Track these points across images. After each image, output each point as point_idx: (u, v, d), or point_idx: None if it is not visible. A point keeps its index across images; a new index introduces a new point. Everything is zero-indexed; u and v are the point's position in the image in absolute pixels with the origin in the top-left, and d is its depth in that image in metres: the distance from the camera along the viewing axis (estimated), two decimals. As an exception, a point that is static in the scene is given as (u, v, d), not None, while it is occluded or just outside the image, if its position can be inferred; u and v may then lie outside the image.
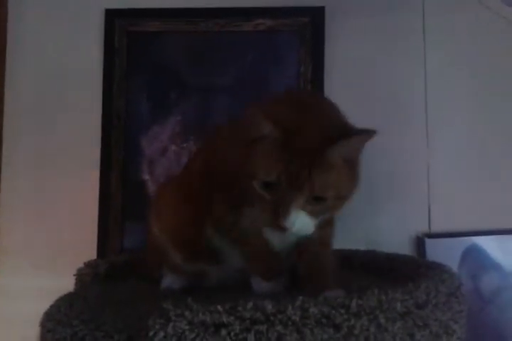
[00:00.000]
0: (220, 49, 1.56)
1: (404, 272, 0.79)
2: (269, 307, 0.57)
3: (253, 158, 0.69)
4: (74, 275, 0.99)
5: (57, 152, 1.56)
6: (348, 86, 1.50)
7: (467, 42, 1.47)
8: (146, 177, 1.55)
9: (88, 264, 1.00)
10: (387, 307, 0.59)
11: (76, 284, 0.98)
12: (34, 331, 0.79)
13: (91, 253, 1.48)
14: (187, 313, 0.57)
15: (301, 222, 0.68)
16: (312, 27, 1.51)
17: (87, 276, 0.97)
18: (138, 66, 1.57)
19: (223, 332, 0.55)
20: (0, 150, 1.56)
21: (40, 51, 1.58)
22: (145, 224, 1.48)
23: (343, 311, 0.58)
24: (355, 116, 1.49)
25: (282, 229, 0.67)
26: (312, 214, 0.69)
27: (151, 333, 0.57)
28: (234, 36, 1.55)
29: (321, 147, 0.67)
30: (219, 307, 0.58)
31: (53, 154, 1.56)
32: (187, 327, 0.56)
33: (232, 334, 0.55)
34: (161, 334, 0.56)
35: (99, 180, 1.53)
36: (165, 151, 1.56)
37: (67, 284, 0.99)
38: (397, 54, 1.49)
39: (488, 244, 1.40)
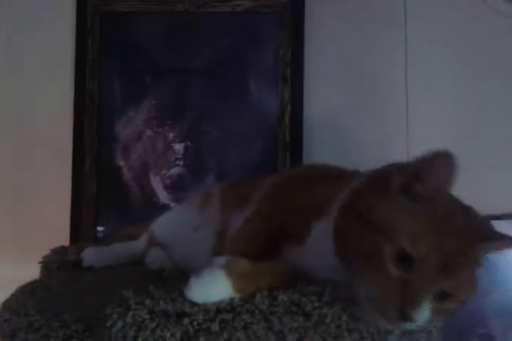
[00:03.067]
0: (196, 30, 1.51)
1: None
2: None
3: (396, 215, 0.55)
4: (39, 262, 0.94)
5: (27, 137, 1.50)
6: (329, 70, 1.46)
7: (449, 22, 1.44)
8: (121, 163, 1.51)
9: (55, 251, 0.96)
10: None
11: (41, 272, 0.93)
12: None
13: (64, 242, 1.43)
14: (148, 301, 0.54)
15: (424, 318, 0.53)
16: (292, 8, 1.47)
17: (53, 264, 0.93)
18: (111, 48, 1.52)
19: (185, 321, 0.52)
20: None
21: (11, 32, 1.52)
22: (120, 212, 1.48)
23: (314, 299, 0.55)
24: (337, 101, 1.49)
25: (400, 319, 0.52)
26: (433, 312, 0.54)
27: (108, 323, 0.53)
28: (211, 17, 1.50)
29: (471, 240, 0.56)
30: (182, 295, 0.54)
31: (23, 140, 1.50)
32: (147, 316, 0.53)
33: (195, 323, 0.52)
34: (120, 323, 0.53)
35: (72, 166, 1.48)
36: (140, 136, 1.51)
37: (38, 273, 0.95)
38: (378, 36, 1.45)
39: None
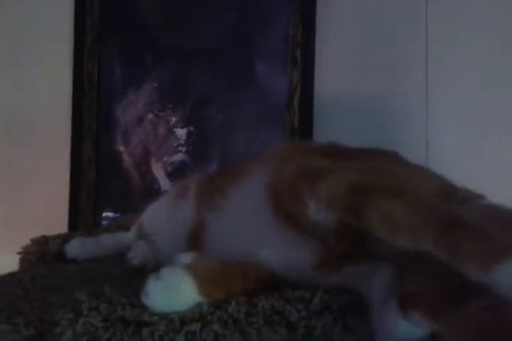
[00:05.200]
0: (201, 7, 1.43)
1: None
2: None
3: None
4: (17, 253, 0.87)
5: (24, 122, 1.45)
6: (342, 51, 1.36)
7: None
8: (121, 148, 1.45)
9: (35, 241, 0.88)
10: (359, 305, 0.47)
11: (20, 264, 0.87)
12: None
13: (62, 230, 1.37)
14: (103, 307, 0.45)
15: None
16: (303, -17, 1.36)
17: (32, 255, 0.86)
18: (111, 27, 1.45)
19: (145, 331, 0.44)
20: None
21: (8, 11, 1.45)
22: (120, 200, 1.41)
23: (301, 307, 0.46)
24: (350, 84, 1.38)
25: None
26: None
27: (57, 330, 0.45)
28: (216, -7, 1.42)
29: None
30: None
31: (20, 124, 1.45)
32: (101, 325, 0.44)
33: (156, 334, 0.44)
34: (69, 332, 0.45)
35: (70, 152, 1.43)
36: (141, 121, 1.44)
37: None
38: (397, 13, 1.33)
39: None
